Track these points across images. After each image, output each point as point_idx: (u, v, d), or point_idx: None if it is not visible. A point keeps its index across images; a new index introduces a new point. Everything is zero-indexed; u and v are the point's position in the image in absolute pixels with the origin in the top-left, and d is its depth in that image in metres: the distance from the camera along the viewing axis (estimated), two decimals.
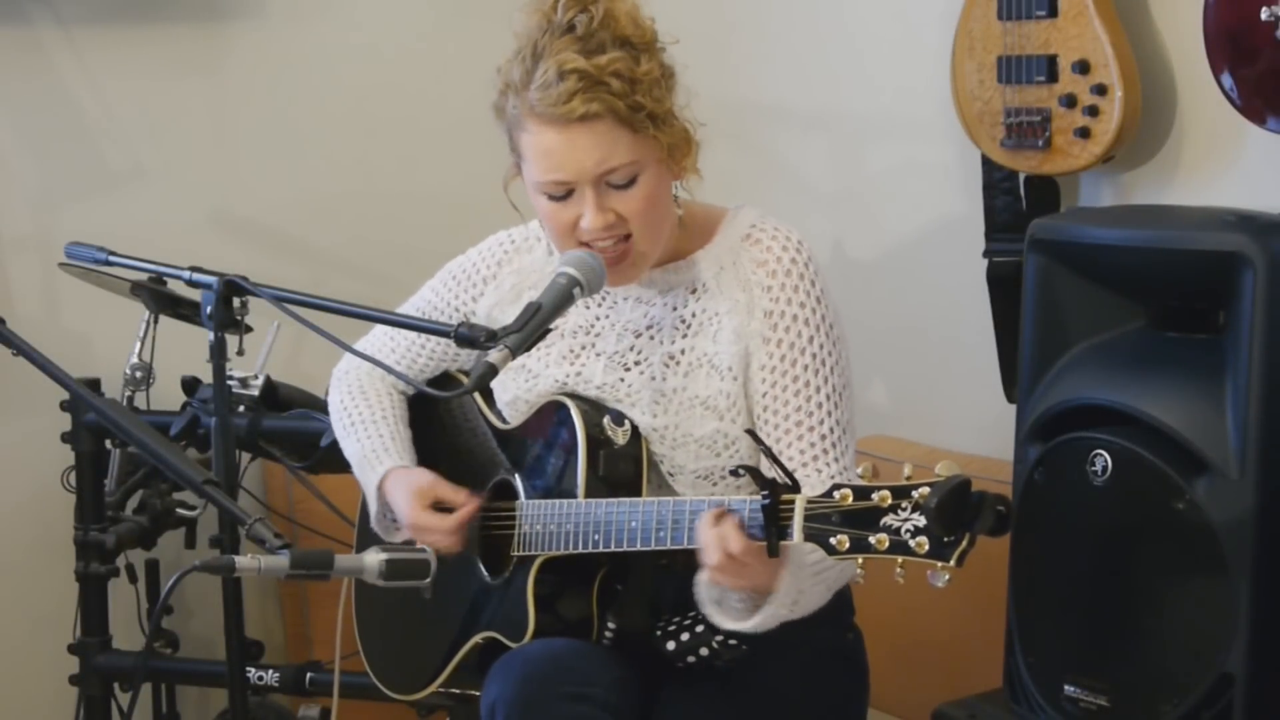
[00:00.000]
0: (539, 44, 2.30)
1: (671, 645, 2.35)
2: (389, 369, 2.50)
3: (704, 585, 2.24)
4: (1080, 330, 2.67)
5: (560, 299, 2.26)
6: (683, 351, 2.41)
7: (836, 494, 2.02)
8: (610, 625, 2.39)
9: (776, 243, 2.40)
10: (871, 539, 1.98)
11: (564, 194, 2.32)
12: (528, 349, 2.24)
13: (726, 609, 2.25)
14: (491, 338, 2.23)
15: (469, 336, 2.26)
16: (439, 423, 2.66)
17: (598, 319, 2.49)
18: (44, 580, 3.42)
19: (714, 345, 2.40)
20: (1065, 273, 2.67)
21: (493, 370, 2.20)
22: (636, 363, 2.43)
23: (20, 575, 3.46)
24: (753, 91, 3.64)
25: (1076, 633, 2.59)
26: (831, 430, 2.37)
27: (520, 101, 2.32)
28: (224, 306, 2.46)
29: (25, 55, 3.43)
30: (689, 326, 2.42)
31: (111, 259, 2.67)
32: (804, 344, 2.37)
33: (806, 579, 2.22)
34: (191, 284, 2.51)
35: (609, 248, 2.33)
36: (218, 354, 2.46)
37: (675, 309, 2.43)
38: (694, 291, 2.42)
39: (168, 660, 3.32)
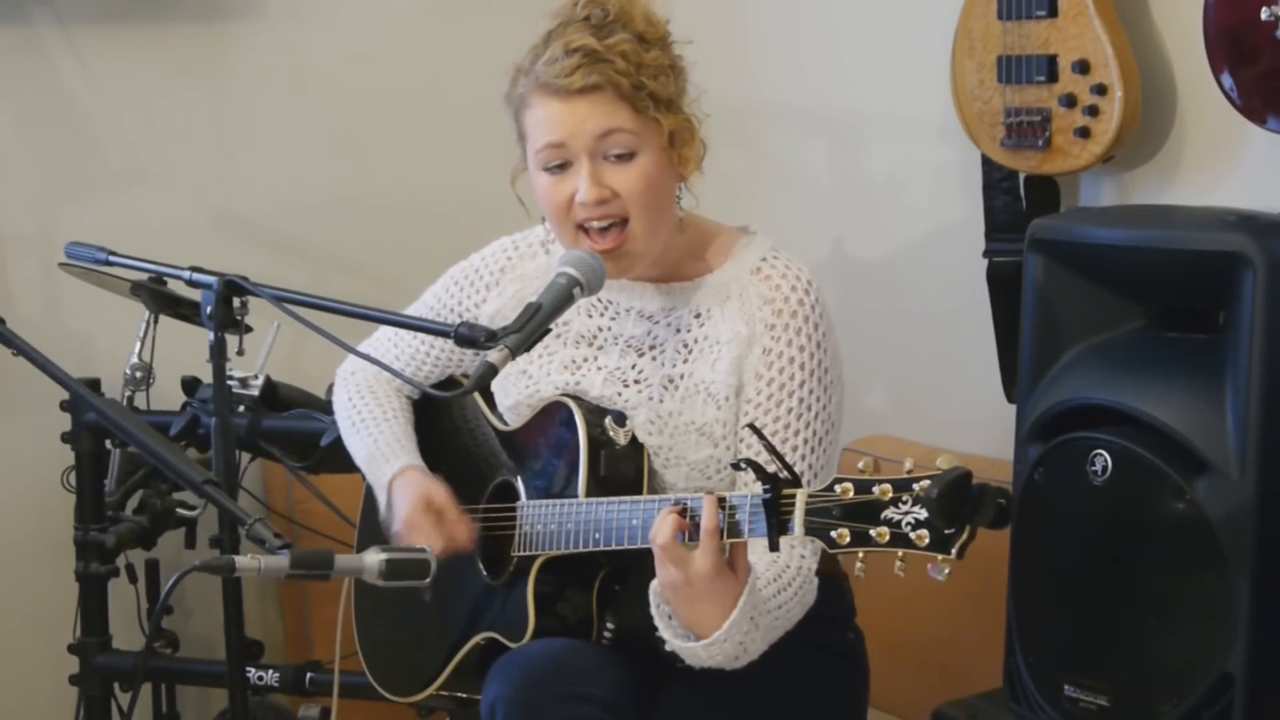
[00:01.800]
0: (552, 32, 2.34)
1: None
2: (392, 370, 2.50)
3: (654, 593, 2.22)
4: (1080, 330, 2.66)
5: (560, 299, 2.26)
6: (682, 376, 2.41)
7: (838, 488, 2.01)
8: (610, 625, 2.38)
9: (786, 281, 2.39)
10: (872, 532, 1.97)
11: (560, 163, 2.33)
12: (527, 349, 2.23)
13: (674, 625, 2.22)
14: (491, 338, 2.23)
15: (469, 336, 2.26)
16: (444, 427, 2.65)
17: (601, 330, 2.48)
18: (44, 580, 3.42)
19: (712, 373, 2.39)
20: (1065, 273, 2.66)
21: (492, 370, 2.20)
22: (636, 381, 2.43)
23: (20, 575, 3.46)
24: (753, 91, 3.64)
25: (1076, 633, 2.59)
26: (809, 474, 2.37)
27: (527, 80, 2.34)
28: (224, 306, 2.46)
29: (25, 55, 3.43)
30: (690, 351, 2.42)
31: (111, 259, 2.67)
32: (794, 387, 2.37)
33: (758, 632, 2.21)
34: (191, 284, 2.51)
35: (605, 232, 2.33)
36: (217, 354, 2.46)
37: (679, 331, 2.42)
38: (698, 316, 2.42)
39: (168, 660, 3.32)
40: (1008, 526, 2.01)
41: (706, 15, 3.60)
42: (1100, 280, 2.64)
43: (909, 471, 1.98)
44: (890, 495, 1.97)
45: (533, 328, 2.22)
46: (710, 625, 2.18)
